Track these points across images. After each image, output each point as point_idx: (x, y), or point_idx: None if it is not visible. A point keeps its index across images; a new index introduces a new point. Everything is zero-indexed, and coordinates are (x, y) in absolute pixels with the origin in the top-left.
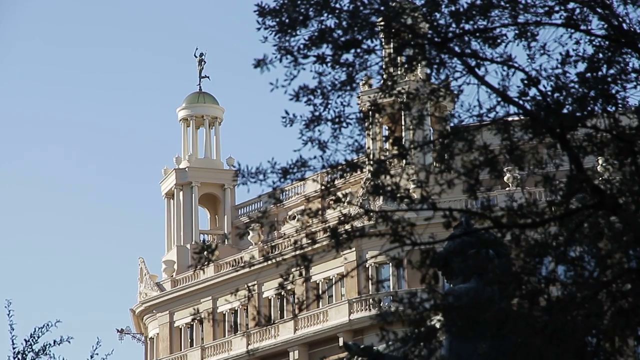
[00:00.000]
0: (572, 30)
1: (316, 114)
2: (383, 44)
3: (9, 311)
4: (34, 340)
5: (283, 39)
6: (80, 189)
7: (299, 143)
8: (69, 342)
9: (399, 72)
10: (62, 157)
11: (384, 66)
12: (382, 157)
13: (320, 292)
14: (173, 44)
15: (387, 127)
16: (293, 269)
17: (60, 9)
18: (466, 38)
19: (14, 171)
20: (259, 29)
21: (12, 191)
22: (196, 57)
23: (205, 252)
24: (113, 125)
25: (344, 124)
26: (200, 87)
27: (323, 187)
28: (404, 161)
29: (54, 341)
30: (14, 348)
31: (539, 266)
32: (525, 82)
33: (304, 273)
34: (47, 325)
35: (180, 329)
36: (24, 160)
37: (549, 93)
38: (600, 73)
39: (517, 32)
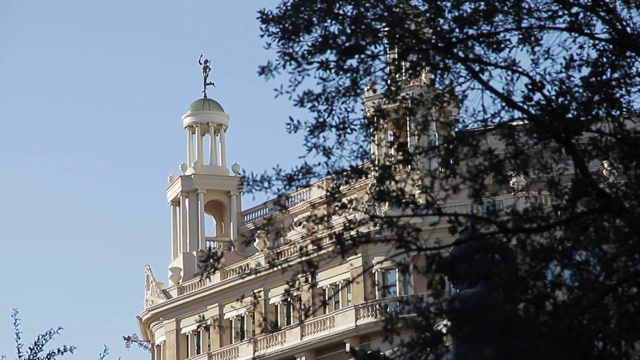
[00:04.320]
0: (576, 35)
1: (320, 120)
2: (387, 49)
3: (15, 320)
4: (39, 349)
5: (287, 45)
6: (86, 195)
7: (304, 149)
8: (72, 351)
9: (403, 78)
10: (68, 163)
11: (388, 72)
12: (387, 163)
13: (326, 298)
14: (178, 50)
15: (391, 133)
16: (299, 275)
17: (64, 13)
18: (470, 43)
19: (18, 176)
20: (262, 35)
21: (17, 197)
22: (201, 63)
23: (211, 259)
24: (118, 132)
25: (349, 130)
26: (205, 94)
27: (328, 194)
28: (409, 167)
29: (58, 349)
30: (19, 356)
31: (544, 270)
32: (530, 86)
33: (310, 279)
34: (50, 332)
35: (187, 336)
36: (28, 165)
37: (554, 97)
38: (604, 77)
39: (520, 36)
